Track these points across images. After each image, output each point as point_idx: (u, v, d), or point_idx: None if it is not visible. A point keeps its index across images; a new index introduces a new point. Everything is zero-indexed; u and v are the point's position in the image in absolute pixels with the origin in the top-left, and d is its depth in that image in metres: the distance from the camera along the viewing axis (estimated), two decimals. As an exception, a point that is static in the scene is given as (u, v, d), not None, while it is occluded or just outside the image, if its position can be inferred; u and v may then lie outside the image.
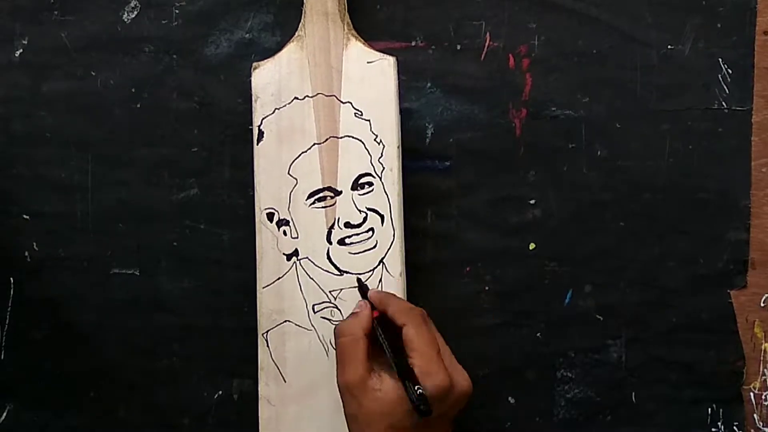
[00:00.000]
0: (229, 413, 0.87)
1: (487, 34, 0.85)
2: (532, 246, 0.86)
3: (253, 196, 0.84)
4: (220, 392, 0.87)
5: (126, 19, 0.86)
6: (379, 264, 0.80)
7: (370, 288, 0.79)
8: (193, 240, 0.86)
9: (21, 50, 0.86)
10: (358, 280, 0.79)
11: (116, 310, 0.87)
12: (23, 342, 0.87)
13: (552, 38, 0.85)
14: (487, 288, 0.86)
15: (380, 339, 0.74)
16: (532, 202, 0.86)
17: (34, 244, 0.87)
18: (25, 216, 0.87)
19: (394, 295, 0.78)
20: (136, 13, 0.86)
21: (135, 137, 0.86)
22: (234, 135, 0.86)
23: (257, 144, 0.81)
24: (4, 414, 0.87)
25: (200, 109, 0.86)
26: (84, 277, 0.87)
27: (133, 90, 0.86)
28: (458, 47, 0.85)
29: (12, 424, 0.87)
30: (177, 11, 0.86)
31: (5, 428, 0.87)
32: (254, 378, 0.84)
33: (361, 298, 0.78)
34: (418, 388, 0.70)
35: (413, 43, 0.85)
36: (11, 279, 0.87)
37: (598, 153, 0.85)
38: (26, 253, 0.87)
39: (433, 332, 0.75)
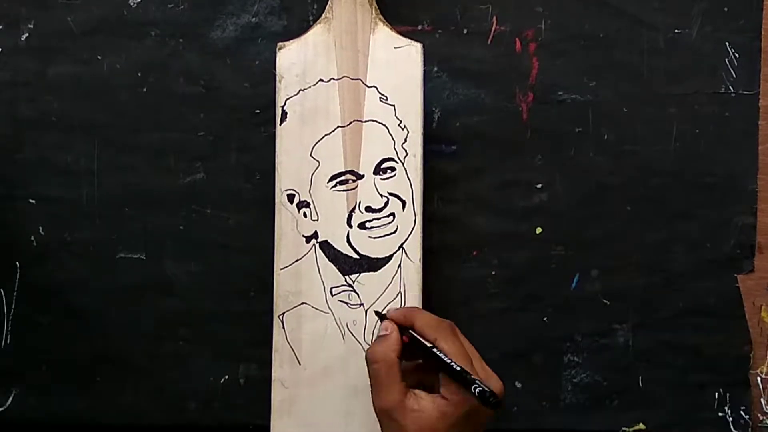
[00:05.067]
0: (235, 397, 0.86)
1: (494, 17, 0.85)
2: (538, 230, 0.86)
3: (259, 179, 0.84)
4: (226, 376, 0.86)
5: (132, 3, 0.86)
6: (398, 249, 0.80)
7: (387, 312, 0.77)
8: (199, 224, 0.86)
9: (27, 34, 0.86)
10: (377, 312, 0.77)
11: (122, 294, 0.86)
12: (29, 327, 0.87)
13: (559, 22, 0.85)
14: (493, 272, 0.86)
15: (422, 352, 0.73)
16: (539, 186, 0.86)
17: (40, 228, 0.86)
18: (31, 200, 0.86)
19: (418, 308, 0.78)
20: (142, -3, 0.86)
21: (141, 121, 0.86)
22: (240, 119, 0.86)
23: (280, 124, 0.80)
24: (10, 399, 0.87)
25: (206, 93, 0.86)
26: (90, 262, 0.86)
27: (139, 74, 0.86)
28: (465, 31, 0.85)
29: (18, 409, 0.87)
30: (183, -5, 0.86)
31: (11, 413, 0.87)
32: (260, 362, 0.84)
33: (381, 322, 0.76)
34: (479, 385, 0.69)
35: (420, 27, 0.85)
36: (17, 263, 0.87)
37: (605, 137, 0.85)
38: (32, 238, 0.86)
39: (462, 343, 0.74)
